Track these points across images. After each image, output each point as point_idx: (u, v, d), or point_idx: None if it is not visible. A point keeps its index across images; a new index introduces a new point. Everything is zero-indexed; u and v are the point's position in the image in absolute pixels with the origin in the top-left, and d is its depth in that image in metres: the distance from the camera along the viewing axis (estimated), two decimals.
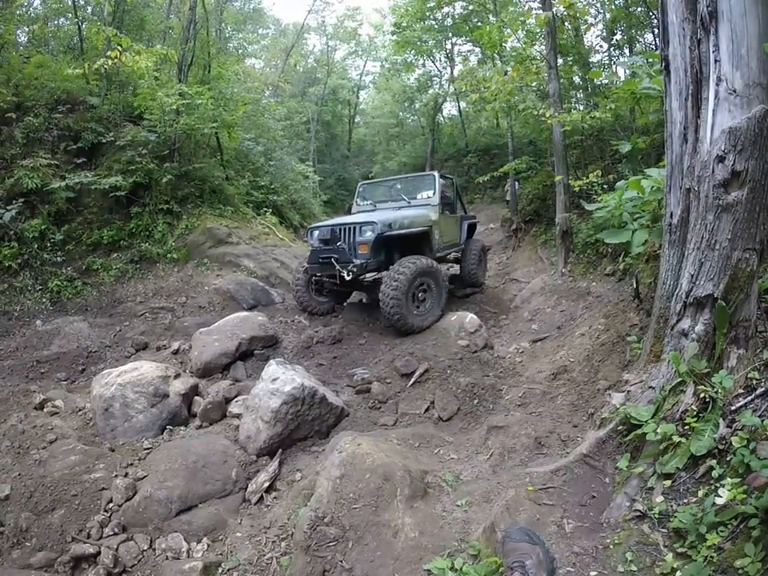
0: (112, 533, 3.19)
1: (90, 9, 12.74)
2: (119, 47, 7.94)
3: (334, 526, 2.75)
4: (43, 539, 3.10)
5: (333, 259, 6.34)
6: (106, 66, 8.07)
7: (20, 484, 3.40)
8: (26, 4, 12.00)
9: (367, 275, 6.81)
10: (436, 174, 8.06)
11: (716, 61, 2.78)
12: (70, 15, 11.93)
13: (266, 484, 3.57)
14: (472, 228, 9.46)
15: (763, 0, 2.70)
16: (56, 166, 8.00)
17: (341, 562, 2.62)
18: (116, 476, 3.55)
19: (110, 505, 3.37)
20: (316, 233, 6.85)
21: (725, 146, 2.70)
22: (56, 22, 12.98)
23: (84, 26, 11.41)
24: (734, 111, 2.70)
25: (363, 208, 8.25)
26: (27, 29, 12.08)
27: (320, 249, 6.66)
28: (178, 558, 3.02)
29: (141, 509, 3.30)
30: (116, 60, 7.86)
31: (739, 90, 2.69)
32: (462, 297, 8.60)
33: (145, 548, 3.10)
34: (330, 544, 2.69)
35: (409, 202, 7.75)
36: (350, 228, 6.53)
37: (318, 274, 6.88)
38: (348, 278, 6.19)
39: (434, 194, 7.70)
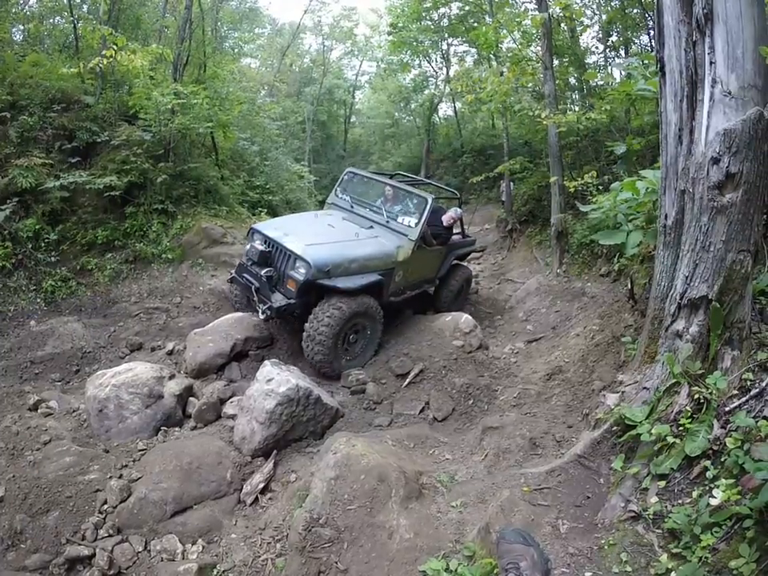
0: (107, 534, 3.18)
1: (85, 7, 12.71)
2: (114, 46, 7.90)
3: (329, 527, 2.75)
4: (38, 541, 3.09)
5: (253, 288, 5.47)
6: (101, 65, 8.04)
7: (14, 486, 3.38)
8: (21, 2, 11.96)
9: None
10: (430, 199, 6.33)
11: (711, 63, 2.79)
12: (66, 14, 11.86)
13: (261, 485, 3.56)
14: (462, 257, 8.03)
15: (759, 2, 2.72)
16: (50, 166, 7.94)
17: (336, 563, 2.62)
18: (110, 477, 3.54)
19: (105, 506, 3.35)
20: (248, 246, 5.85)
21: (719, 147, 2.71)
22: (51, 21, 12.93)
23: (79, 24, 11.34)
24: (729, 113, 2.71)
25: (340, 203, 6.99)
26: (22, 27, 12.02)
27: (246, 266, 5.71)
28: (173, 560, 3.02)
29: (135, 510, 3.28)
30: (111, 59, 7.84)
31: (734, 91, 2.70)
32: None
33: (140, 550, 3.09)
34: (325, 545, 2.69)
35: (387, 222, 6.32)
36: (284, 254, 5.44)
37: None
38: (261, 317, 5.35)
39: (417, 224, 6.15)
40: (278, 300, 5.29)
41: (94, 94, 9.66)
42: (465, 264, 8.17)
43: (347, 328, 5.21)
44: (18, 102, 8.37)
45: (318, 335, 5.00)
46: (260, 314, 5.34)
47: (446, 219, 7.08)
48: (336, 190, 7.24)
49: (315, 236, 5.68)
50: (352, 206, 6.80)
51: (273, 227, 6.09)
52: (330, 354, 5.09)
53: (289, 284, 5.29)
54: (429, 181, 8.03)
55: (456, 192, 8.29)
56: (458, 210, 7.41)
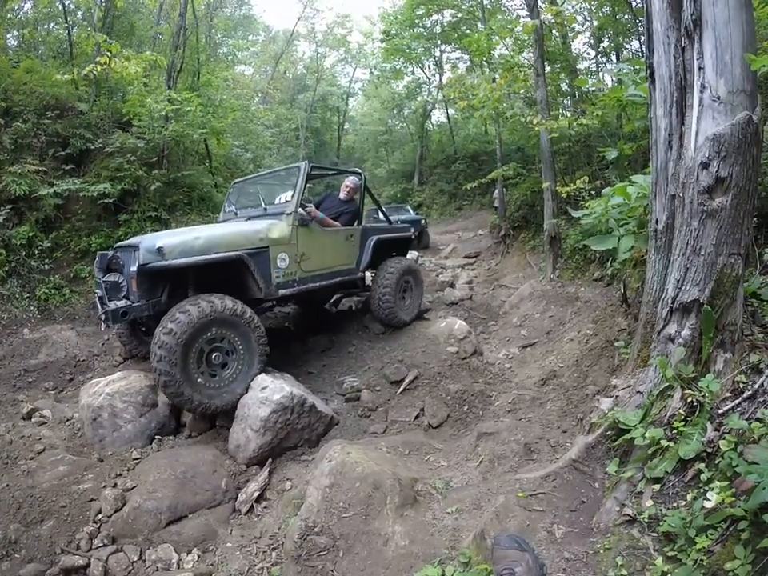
0: (101, 544, 3.15)
1: (80, 14, 12.76)
2: (109, 53, 7.93)
3: (324, 536, 2.74)
4: (32, 551, 3.06)
5: (97, 299, 4.66)
6: (95, 72, 8.05)
7: (8, 495, 3.36)
8: (16, 8, 11.99)
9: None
10: (302, 165, 5.55)
11: (700, 68, 2.81)
12: (60, 20, 11.92)
13: (256, 494, 3.55)
14: (395, 244, 6.83)
15: (747, 8, 2.74)
16: (44, 173, 7.96)
17: (331, 571, 2.61)
18: (105, 486, 3.52)
19: (99, 516, 3.33)
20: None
21: (709, 152, 2.73)
22: (46, 27, 12.97)
23: (74, 31, 11.42)
24: (718, 118, 2.73)
25: (227, 216, 6.20)
26: (17, 33, 12.07)
27: (99, 281, 4.86)
28: (168, 570, 3.00)
29: (130, 520, 3.26)
30: (105, 66, 7.85)
31: (723, 97, 2.72)
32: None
33: (135, 559, 3.07)
34: (321, 553, 2.68)
35: (265, 209, 5.51)
36: (127, 253, 4.51)
37: None
38: (104, 329, 4.55)
39: (293, 196, 5.28)
40: (114, 303, 4.34)
41: (87, 100, 9.71)
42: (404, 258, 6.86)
43: (203, 342, 4.10)
44: (12, 108, 8.40)
45: (158, 349, 3.88)
46: (102, 324, 4.42)
47: (342, 193, 6.42)
48: (224, 207, 6.48)
49: (165, 233, 5.04)
50: (236, 213, 6.02)
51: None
52: (177, 375, 3.91)
53: (132, 284, 4.29)
54: (329, 166, 7.29)
55: (357, 170, 6.90)
56: (353, 178, 6.43)
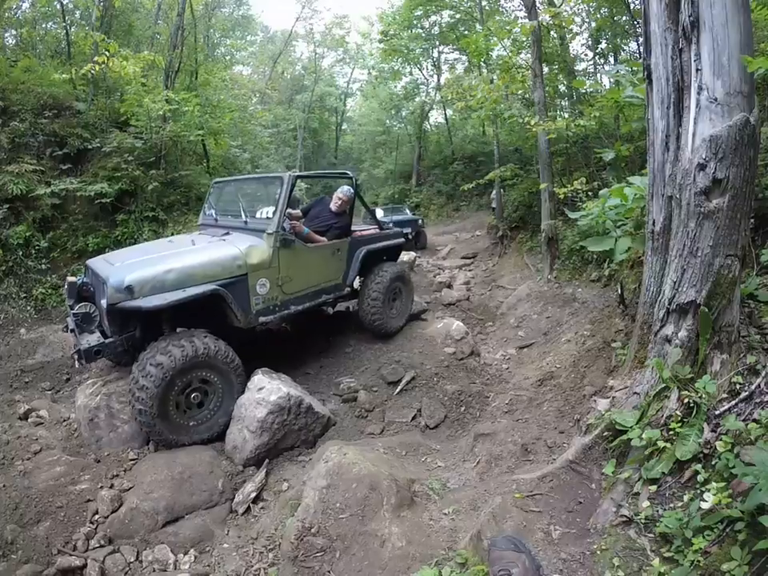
0: (98, 545, 3.14)
1: (78, 13, 12.77)
2: (107, 52, 7.93)
3: (321, 537, 2.74)
4: (29, 551, 3.05)
5: (69, 330, 4.45)
6: (93, 71, 8.06)
7: (5, 495, 3.35)
8: (14, 7, 12.00)
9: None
10: (286, 176, 5.00)
11: (697, 70, 2.81)
12: (58, 19, 11.92)
13: (253, 494, 3.54)
14: (385, 253, 6.33)
15: (745, 9, 2.74)
16: (41, 172, 7.96)
17: (328, 572, 2.61)
18: (102, 487, 3.51)
19: (96, 516, 3.32)
20: (69, 281, 4.70)
21: (706, 153, 2.73)
22: (44, 26, 12.97)
23: (72, 30, 11.42)
24: (715, 119, 2.73)
25: (206, 221, 5.72)
26: (15, 32, 12.06)
27: (70, 307, 4.60)
28: (165, 570, 3.00)
29: (127, 520, 3.26)
30: (103, 65, 7.85)
31: (720, 98, 2.72)
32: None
33: (131, 560, 3.06)
34: (318, 554, 2.68)
35: (246, 222, 5.04)
36: (99, 281, 4.28)
37: None
38: (78, 367, 4.40)
39: (276, 212, 4.82)
40: (91, 340, 4.09)
41: (85, 100, 9.71)
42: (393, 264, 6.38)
43: (175, 395, 3.89)
44: (10, 107, 8.40)
45: (133, 397, 3.77)
46: (76, 362, 4.13)
47: (333, 204, 5.87)
48: (204, 208, 5.96)
49: (139, 255, 4.60)
50: (216, 220, 5.54)
51: (103, 258, 4.88)
52: (168, 435, 3.87)
53: (104, 318, 4.11)
54: (316, 172, 6.68)
55: (348, 173, 6.31)
56: (347, 188, 5.91)
